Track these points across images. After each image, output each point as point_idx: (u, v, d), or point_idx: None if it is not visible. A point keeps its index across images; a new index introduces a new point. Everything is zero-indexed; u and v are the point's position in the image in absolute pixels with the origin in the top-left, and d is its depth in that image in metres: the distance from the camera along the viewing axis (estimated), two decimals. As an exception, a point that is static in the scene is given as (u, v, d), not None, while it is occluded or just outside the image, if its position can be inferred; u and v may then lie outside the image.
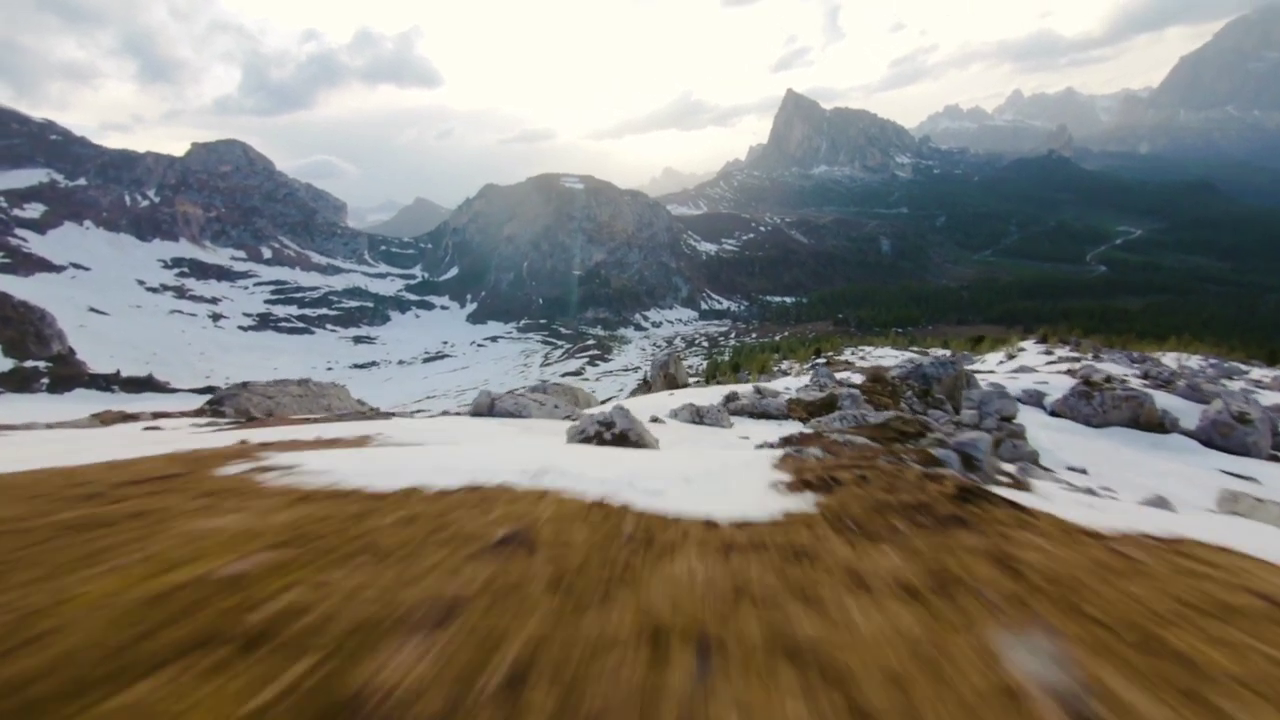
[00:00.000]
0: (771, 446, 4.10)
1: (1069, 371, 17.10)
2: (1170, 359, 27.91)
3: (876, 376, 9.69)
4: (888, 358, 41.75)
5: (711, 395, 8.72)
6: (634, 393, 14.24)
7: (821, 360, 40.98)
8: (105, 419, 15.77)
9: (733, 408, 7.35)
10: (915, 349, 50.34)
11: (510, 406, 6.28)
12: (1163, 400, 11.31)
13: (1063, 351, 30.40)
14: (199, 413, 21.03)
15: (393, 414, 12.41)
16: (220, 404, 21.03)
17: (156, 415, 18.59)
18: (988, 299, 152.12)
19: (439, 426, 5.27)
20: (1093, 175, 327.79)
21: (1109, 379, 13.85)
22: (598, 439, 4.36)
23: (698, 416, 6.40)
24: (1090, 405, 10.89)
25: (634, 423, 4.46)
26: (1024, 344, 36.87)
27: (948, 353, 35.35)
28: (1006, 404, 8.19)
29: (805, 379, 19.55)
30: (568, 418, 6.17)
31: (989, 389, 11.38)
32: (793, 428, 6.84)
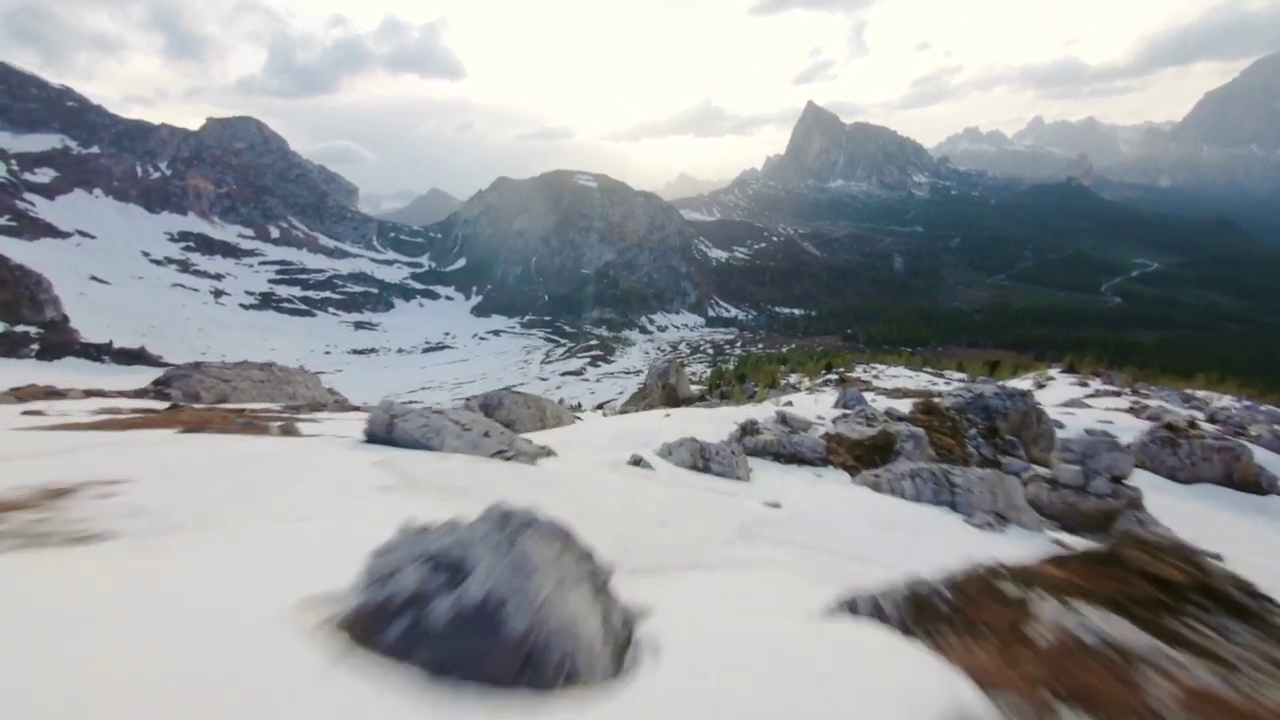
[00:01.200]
0: (878, 614, 1.60)
1: (1130, 410, 14.92)
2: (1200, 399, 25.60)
3: (929, 407, 7.54)
4: (901, 377, 39.51)
5: (720, 422, 6.63)
6: (626, 405, 12.09)
7: (833, 376, 38.75)
8: (22, 394, 13.64)
9: (750, 445, 5.22)
10: (930, 370, 48.06)
11: (417, 433, 4.16)
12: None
13: (1098, 384, 28.00)
14: (141, 394, 18.87)
15: (352, 409, 10.17)
16: (166, 385, 18.85)
17: (89, 394, 16.35)
18: (1000, 323, 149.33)
19: (253, 476, 3.07)
20: (1112, 205, 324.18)
21: (1193, 424, 11.62)
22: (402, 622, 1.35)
23: (701, 459, 4.31)
24: (1176, 456, 8.72)
25: (530, 579, 1.36)
26: (1053, 372, 34.55)
27: (1002, 383, 33.16)
28: (1119, 459, 6.08)
29: (825, 397, 17.40)
30: (500, 454, 4.09)
31: (1088, 436, 9.22)
32: (838, 483, 4.72)
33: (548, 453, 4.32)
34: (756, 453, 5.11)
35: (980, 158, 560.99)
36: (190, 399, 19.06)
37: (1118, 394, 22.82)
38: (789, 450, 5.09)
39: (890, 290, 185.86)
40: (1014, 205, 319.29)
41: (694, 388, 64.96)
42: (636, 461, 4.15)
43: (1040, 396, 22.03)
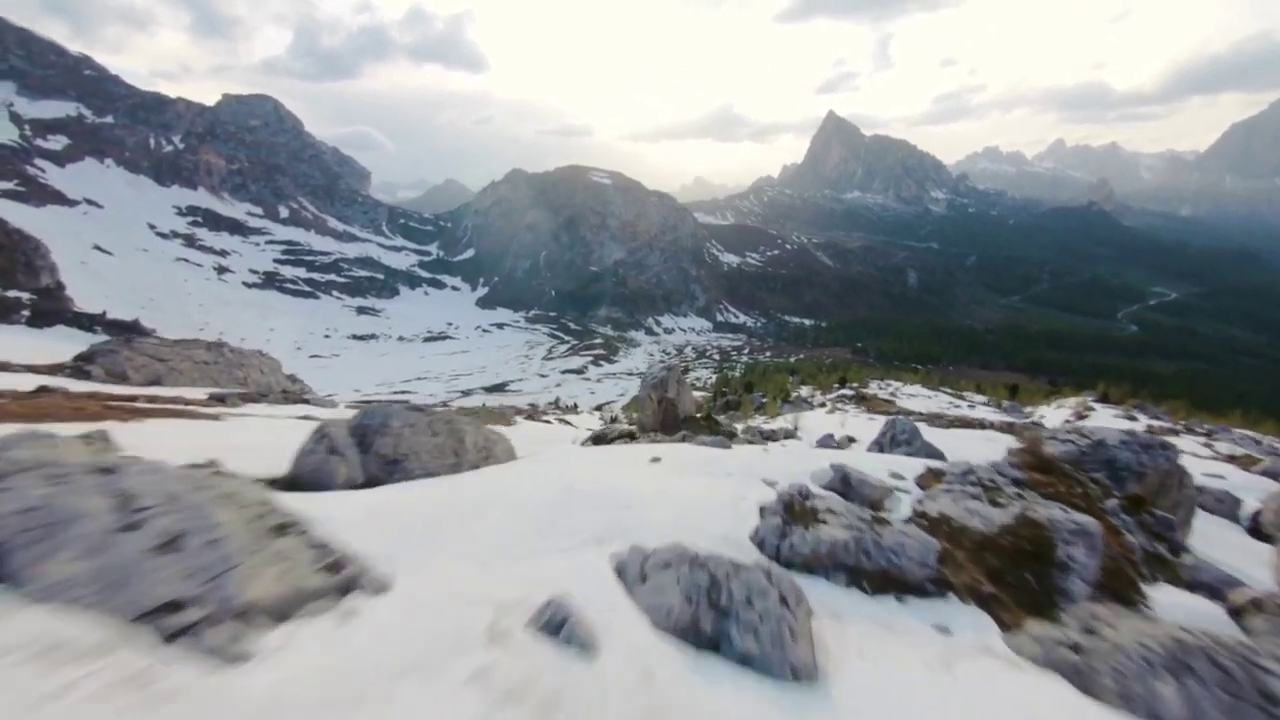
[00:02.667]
0: None
1: (1231, 458, 12.38)
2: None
3: (1042, 460, 4.94)
4: (920, 396, 36.69)
5: (741, 481, 4.18)
6: (600, 436, 9.50)
7: (848, 390, 36.11)
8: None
9: (803, 549, 2.74)
10: (948, 390, 45.30)
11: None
12: None
13: (1146, 418, 25.25)
14: (57, 369, 16.38)
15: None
16: (89, 361, 16.39)
17: (-5, 366, 13.86)
18: (1014, 345, 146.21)
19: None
20: (1132, 232, 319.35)
21: (1341, 488, 8.97)
22: None
23: (709, 611, 1.88)
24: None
25: None
26: (1090, 401, 31.92)
27: (1031, 411, 30.50)
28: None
29: (854, 419, 14.94)
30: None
31: (1216, 500, 6.73)
32: (987, 657, 2.33)
33: (345, 590, 1.80)
34: (812, 565, 2.65)
35: (999, 177, 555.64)
36: (115, 378, 16.70)
37: (1175, 432, 20.19)
38: (877, 563, 2.64)
39: (902, 305, 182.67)
40: (1032, 226, 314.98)
41: (697, 393, 62.30)
42: (555, 628, 1.77)
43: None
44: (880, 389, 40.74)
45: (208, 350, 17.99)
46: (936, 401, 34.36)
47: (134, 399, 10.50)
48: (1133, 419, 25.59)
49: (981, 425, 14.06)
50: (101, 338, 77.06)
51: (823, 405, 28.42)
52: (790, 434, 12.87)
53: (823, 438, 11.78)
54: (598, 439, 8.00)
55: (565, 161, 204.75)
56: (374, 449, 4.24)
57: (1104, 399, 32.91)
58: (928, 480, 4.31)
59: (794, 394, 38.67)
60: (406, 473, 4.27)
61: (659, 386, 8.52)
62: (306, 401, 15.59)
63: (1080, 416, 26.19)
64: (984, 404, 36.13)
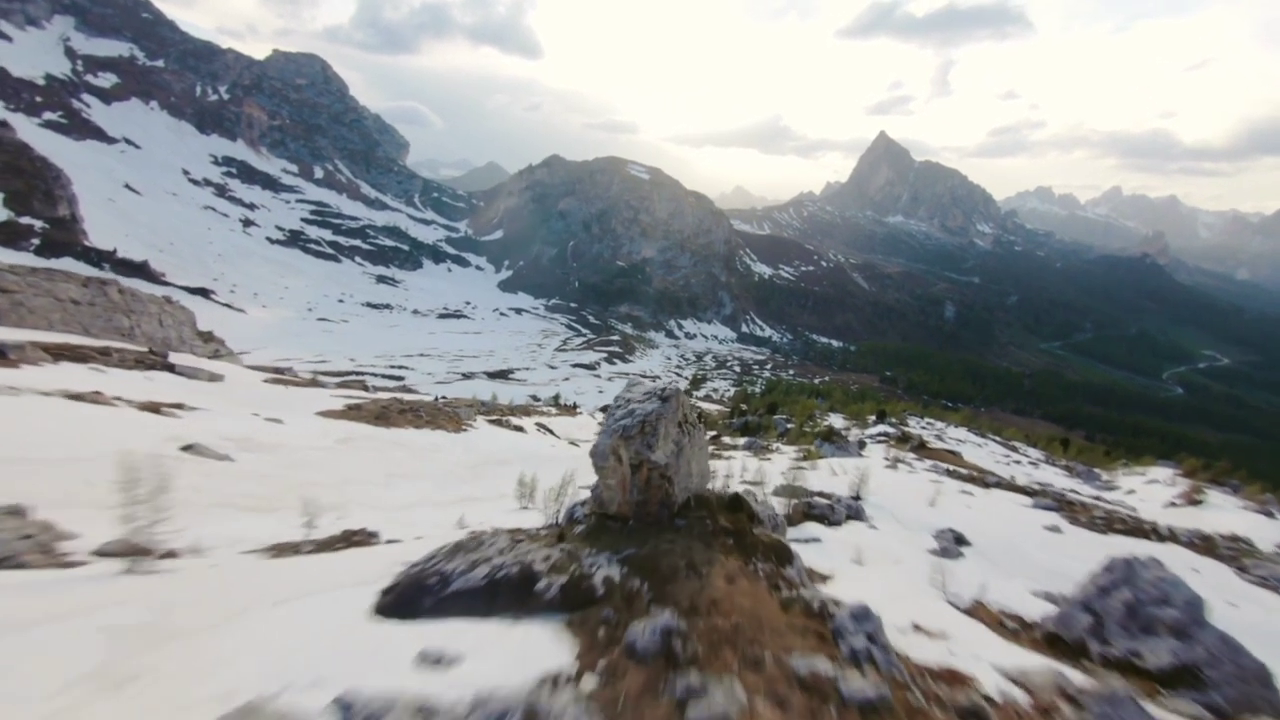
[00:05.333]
0: None
1: None
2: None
3: None
4: (968, 443, 31.40)
5: None
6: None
7: (889, 428, 30.93)
8: None
9: None
10: (996, 439, 39.78)
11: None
12: None
13: (1239, 501, 19.62)
14: None
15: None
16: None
17: None
18: (1052, 394, 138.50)
19: None
20: (1185, 289, 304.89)
21: None
22: None
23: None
24: None
25: None
26: (1159, 473, 26.49)
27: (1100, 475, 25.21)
28: None
29: (938, 484, 10.10)
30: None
31: None
32: None
33: None
34: None
35: (1049, 218, 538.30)
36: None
37: (1270, 514, 14.82)
38: None
39: (937, 338, 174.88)
40: (1080, 272, 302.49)
41: (711, 406, 57.10)
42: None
43: (1193, 520, 13.63)
44: (923, 428, 35.47)
45: (83, 287, 13.77)
46: (988, 451, 29.06)
47: None
48: (1269, 515, 19.86)
49: (1112, 520, 9.04)
50: (109, 276, 74.73)
51: (862, 443, 23.40)
52: (854, 509, 8.16)
53: (940, 539, 7.10)
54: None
55: (607, 155, 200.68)
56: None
57: (1193, 475, 27.22)
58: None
59: (824, 422, 33.66)
60: None
61: (637, 438, 3.81)
62: (172, 368, 11.23)
63: (1192, 501, 20.46)
64: (1045, 462, 30.66)
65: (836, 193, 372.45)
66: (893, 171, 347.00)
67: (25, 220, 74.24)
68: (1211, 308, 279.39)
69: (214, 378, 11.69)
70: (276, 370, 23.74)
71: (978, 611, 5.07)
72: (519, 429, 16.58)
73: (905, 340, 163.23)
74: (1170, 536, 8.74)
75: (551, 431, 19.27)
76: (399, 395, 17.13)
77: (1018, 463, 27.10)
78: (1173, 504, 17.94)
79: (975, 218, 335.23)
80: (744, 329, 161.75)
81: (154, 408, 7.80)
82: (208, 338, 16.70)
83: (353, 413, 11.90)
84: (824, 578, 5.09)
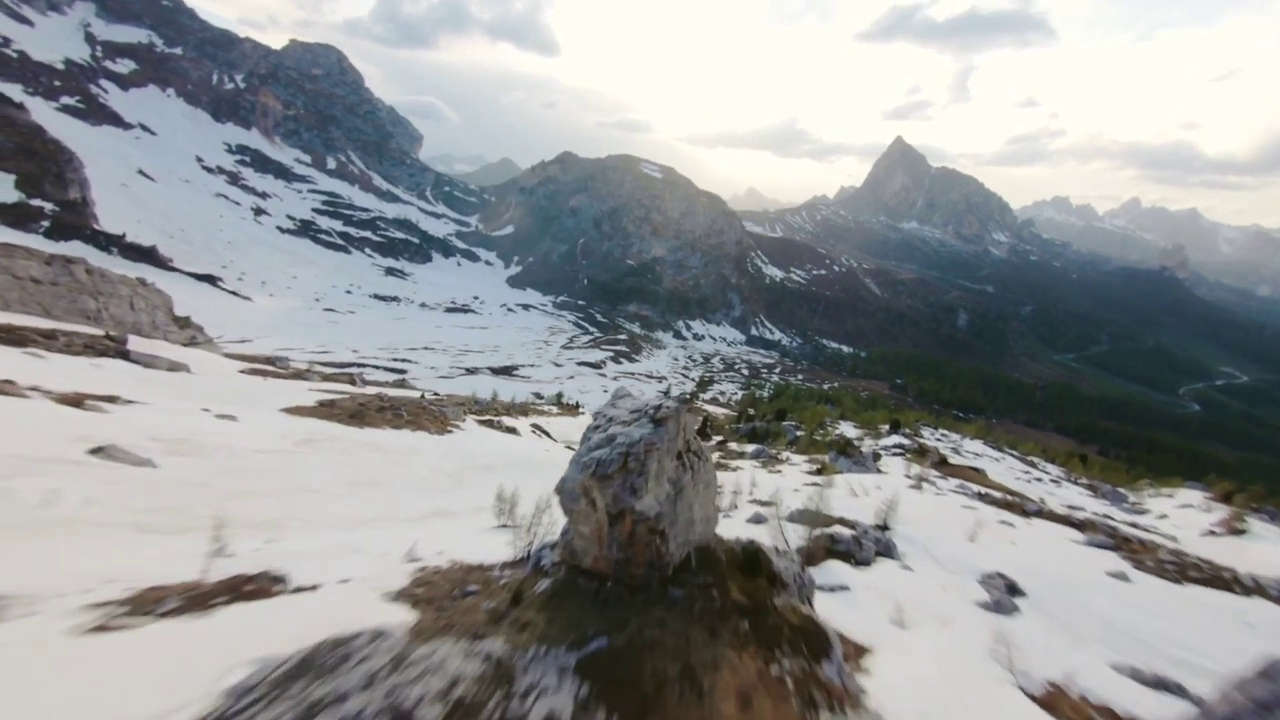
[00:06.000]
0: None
1: None
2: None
3: None
4: (985, 457, 30.15)
5: None
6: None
7: (904, 440, 29.63)
8: None
9: None
10: (1013, 453, 38.40)
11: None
12: None
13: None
14: None
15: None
16: None
17: None
18: (1065, 406, 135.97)
19: None
20: (1204, 304, 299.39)
21: None
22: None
23: None
24: None
25: None
26: (1192, 496, 25.13)
27: (1129, 497, 23.71)
28: None
29: (977, 514, 8.90)
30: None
31: None
32: None
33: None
34: None
35: (1066, 229, 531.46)
36: None
37: None
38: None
39: (949, 346, 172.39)
40: (1097, 283, 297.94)
41: (719, 410, 55.89)
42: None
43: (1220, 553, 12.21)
44: (938, 440, 34.10)
45: (46, 265, 12.81)
46: (1006, 466, 27.72)
47: None
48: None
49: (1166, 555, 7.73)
50: (115, 259, 74.69)
51: (876, 455, 22.14)
52: (883, 542, 7.03)
53: (989, 586, 5.95)
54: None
55: (620, 153, 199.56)
56: None
57: (1227, 500, 25.75)
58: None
59: (834, 431, 32.40)
60: None
61: (618, 477, 2.61)
62: (127, 355, 10.22)
63: (1233, 530, 19.01)
64: (1066, 480, 29.23)
65: (850, 197, 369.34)
66: (908, 177, 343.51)
67: (36, 202, 74.26)
68: (1231, 324, 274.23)
69: (175, 367, 10.65)
70: (266, 360, 22.83)
71: (1058, 704, 3.91)
72: (511, 431, 15.51)
73: (917, 348, 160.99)
74: (1257, 589, 7.48)
75: (547, 434, 18.19)
76: (384, 391, 16.08)
77: (1038, 480, 25.73)
78: (1211, 533, 16.51)
79: (991, 226, 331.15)
80: (753, 331, 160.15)
81: (77, 401, 6.75)
82: (184, 323, 15.75)
83: (324, 409, 10.85)
84: (860, 649, 3.94)
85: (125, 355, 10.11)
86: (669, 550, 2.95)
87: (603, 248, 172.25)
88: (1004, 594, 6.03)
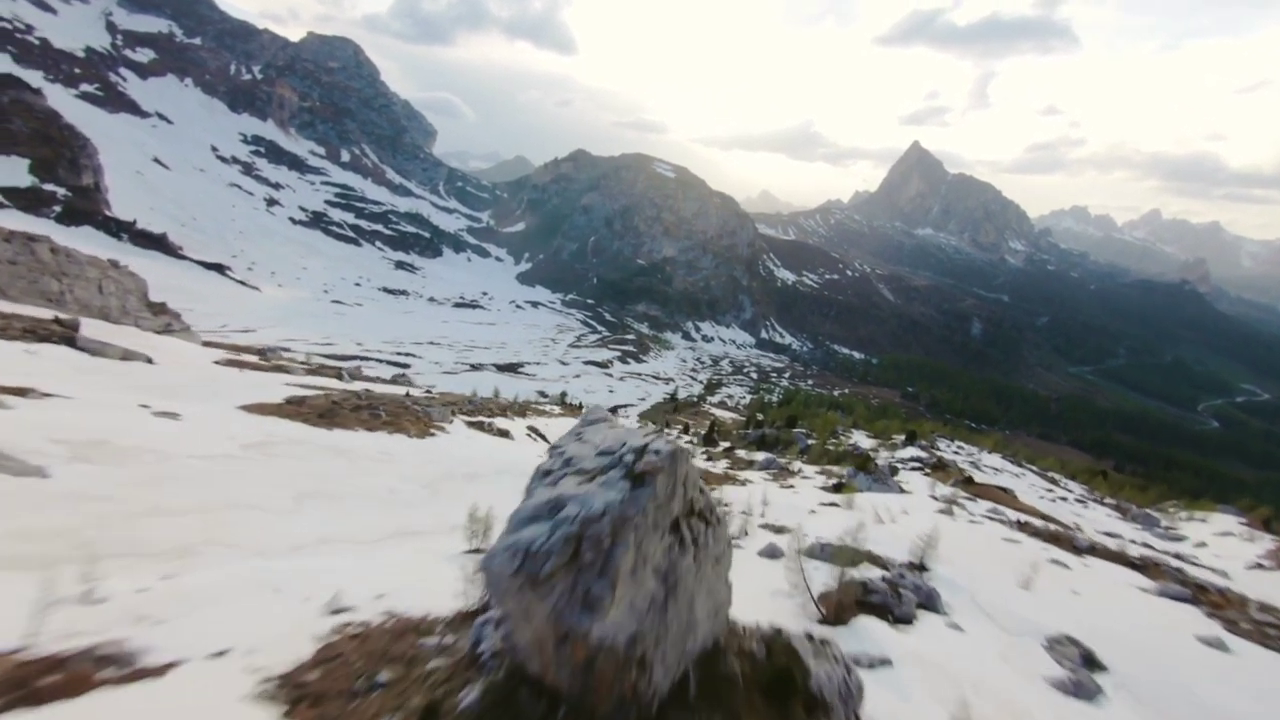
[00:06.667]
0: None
1: None
2: None
3: None
4: (1005, 472, 28.87)
5: None
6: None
7: (920, 452, 28.29)
8: None
9: None
10: (1032, 468, 37.08)
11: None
12: None
13: None
14: None
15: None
16: None
17: None
18: (1080, 420, 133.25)
19: None
20: (1226, 319, 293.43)
21: None
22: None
23: None
24: None
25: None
26: (1229, 522, 23.76)
27: (1162, 521, 22.46)
28: None
29: (1032, 553, 7.70)
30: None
31: None
32: None
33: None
34: None
35: (1084, 239, 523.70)
36: None
37: None
38: None
39: (962, 355, 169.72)
40: (1115, 295, 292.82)
41: (726, 414, 54.58)
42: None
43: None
44: (955, 453, 32.72)
45: (5, 242, 11.88)
46: (1027, 483, 26.36)
47: None
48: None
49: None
50: (125, 245, 74.59)
51: (894, 469, 20.89)
52: (924, 591, 5.84)
53: (1060, 656, 4.75)
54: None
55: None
56: None
57: (1266, 526, 24.35)
58: None
59: (847, 439, 31.09)
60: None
61: (560, 580, 1.58)
62: (73, 342, 9.23)
63: (1284, 563, 17.49)
64: (1092, 500, 27.78)
65: (865, 201, 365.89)
66: (924, 183, 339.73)
67: (49, 187, 74.38)
68: (1253, 339, 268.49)
69: (129, 356, 9.64)
70: (258, 351, 21.92)
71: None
72: (504, 434, 14.44)
73: (929, 356, 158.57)
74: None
75: (544, 437, 17.11)
76: (371, 388, 15.04)
77: (1063, 499, 24.33)
78: (1260, 565, 15.10)
79: (1007, 234, 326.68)
80: (763, 335, 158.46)
81: (-27, 392, 5.70)
82: (160, 309, 14.83)
83: (291, 407, 9.81)
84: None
85: (71, 342, 9.11)
86: (651, 681, 1.91)
87: (613, 246, 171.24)
88: (1081, 668, 4.83)
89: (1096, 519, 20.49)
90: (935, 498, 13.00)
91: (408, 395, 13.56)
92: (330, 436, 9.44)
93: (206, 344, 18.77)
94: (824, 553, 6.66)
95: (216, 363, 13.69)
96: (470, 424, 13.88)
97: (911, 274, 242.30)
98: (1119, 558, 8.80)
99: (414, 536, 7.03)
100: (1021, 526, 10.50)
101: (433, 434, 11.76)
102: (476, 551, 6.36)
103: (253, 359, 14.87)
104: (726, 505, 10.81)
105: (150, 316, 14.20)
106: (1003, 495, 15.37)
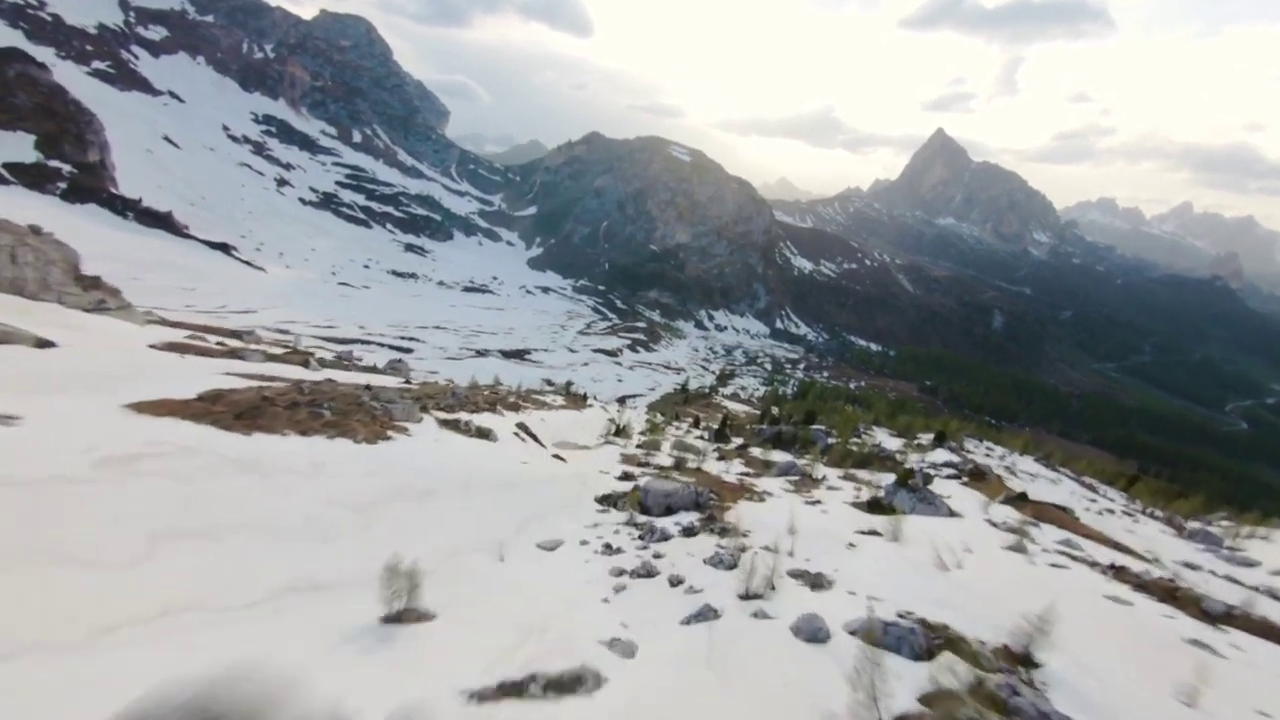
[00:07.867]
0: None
1: None
2: None
3: None
4: (1041, 478, 26.25)
5: None
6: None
7: (951, 455, 25.85)
8: None
9: None
10: (1067, 471, 34.16)
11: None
12: None
13: None
14: None
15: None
16: None
17: None
18: (1103, 418, 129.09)
19: None
20: (1258, 317, 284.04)
21: None
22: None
23: None
24: None
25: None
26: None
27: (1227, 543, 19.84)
28: None
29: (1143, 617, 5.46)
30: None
31: None
32: None
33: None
34: None
35: (1111, 232, 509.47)
36: None
37: None
38: None
39: (982, 349, 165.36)
40: (1141, 290, 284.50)
41: (739, 407, 52.33)
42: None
43: None
44: (986, 454, 30.16)
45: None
46: (1066, 490, 23.80)
47: None
48: None
49: None
50: (130, 223, 73.43)
51: (927, 477, 18.53)
52: (1049, 717, 3.44)
53: None
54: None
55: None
56: None
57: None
58: None
59: (869, 437, 28.74)
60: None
61: None
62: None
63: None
64: (1141, 512, 25.19)
65: (885, 190, 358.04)
66: (947, 171, 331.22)
67: (54, 163, 73.34)
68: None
69: (8, 338, 7.67)
70: (230, 333, 20.12)
71: None
72: (484, 434, 12.44)
73: (948, 348, 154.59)
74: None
75: (534, 437, 15.12)
76: (332, 378, 13.09)
77: (1110, 511, 21.82)
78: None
79: (1032, 225, 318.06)
80: (778, 324, 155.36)
81: None
82: (92, 283, 12.94)
83: (202, 404, 7.83)
84: None
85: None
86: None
87: (625, 231, 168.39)
88: None
89: (1155, 539, 18.05)
90: (993, 523, 10.78)
91: (368, 388, 11.55)
92: (243, 444, 7.42)
93: (163, 323, 16.90)
94: (892, 636, 4.53)
95: (153, 346, 11.76)
96: (444, 423, 11.87)
97: (931, 264, 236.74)
98: (1270, 632, 6.59)
99: (313, 594, 4.89)
100: (1118, 573, 8.27)
101: (389, 437, 9.72)
102: (393, 621, 4.34)
103: (198, 344, 12.94)
104: (744, 535, 8.66)
105: (79, 292, 12.32)
106: (1065, 517, 13.09)
